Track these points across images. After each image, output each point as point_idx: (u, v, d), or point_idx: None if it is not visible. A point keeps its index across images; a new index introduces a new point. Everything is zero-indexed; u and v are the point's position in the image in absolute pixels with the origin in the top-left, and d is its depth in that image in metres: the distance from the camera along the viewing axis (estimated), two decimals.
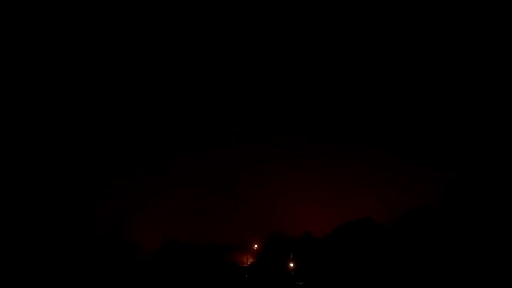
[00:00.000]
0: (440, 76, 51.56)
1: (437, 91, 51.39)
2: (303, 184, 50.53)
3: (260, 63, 53.08)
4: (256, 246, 49.94)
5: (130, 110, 52.12)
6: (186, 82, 53.25)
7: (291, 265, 46.90)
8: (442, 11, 50.82)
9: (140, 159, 51.78)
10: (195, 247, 48.21)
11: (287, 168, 51.21)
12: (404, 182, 48.65)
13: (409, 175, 49.12)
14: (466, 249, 42.58)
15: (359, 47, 52.97)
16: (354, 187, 49.83)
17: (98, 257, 46.40)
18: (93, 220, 48.46)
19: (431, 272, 42.30)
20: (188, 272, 46.53)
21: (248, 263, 49.26)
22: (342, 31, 52.80)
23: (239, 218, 49.67)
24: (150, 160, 51.86)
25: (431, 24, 52.25)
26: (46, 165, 49.87)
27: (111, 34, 52.32)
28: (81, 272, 44.97)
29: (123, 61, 52.40)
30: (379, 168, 50.39)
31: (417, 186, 48.01)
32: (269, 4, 52.38)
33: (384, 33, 52.74)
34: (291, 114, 52.83)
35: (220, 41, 53.04)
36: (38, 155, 49.59)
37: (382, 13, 51.71)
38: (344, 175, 50.38)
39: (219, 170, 51.26)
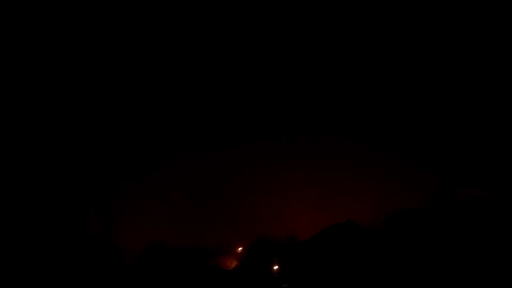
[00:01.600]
0: (426, 78, 50.55)
1: (427, 91, 50.31)
2: (289, 187, 49.72)
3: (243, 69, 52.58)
4: (240, 249, 49.27)
5: (117, 112, 52.00)
6: (173, 86, 52.90)
7: (275, 267, 46.34)
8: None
9: (126, 161, 51.55)
10: (179, 251, 47.75)
11: (273, 171, 50.38)
12: (392, 183, 47.90)
13: (398, 176, 48.36)
14: (455, 253, 41.69)
15: (353, 50, 52.05)
16: (341, 189, 48.89)
17: (85, 259, 46.42)
18: (79, 222, 48.62)
19: (419, 275, 41.34)
20: (171, 276, 46.19)
21: (232, 266, 48.63)
22: (341, 32, 52.05)
23: (223, 221, 49.05)
24: (136, 162, 51.59)
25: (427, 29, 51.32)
26: (36, 166, 50.31)
27: (111, 34, 52.48)
28: (67, 274, 45.10)
29: (120, 62, 52.43)
30: (367, 169, 49.48)
31: (406, 187, 47.26)
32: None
33: (382, 34, 51.79)
34: (277, 118, 51.97)
35: (216, 40, 52.66)
36: (25, 155, 50.06)
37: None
38: (331, 177, 49.45)
39: (204, 174, 50.62)
